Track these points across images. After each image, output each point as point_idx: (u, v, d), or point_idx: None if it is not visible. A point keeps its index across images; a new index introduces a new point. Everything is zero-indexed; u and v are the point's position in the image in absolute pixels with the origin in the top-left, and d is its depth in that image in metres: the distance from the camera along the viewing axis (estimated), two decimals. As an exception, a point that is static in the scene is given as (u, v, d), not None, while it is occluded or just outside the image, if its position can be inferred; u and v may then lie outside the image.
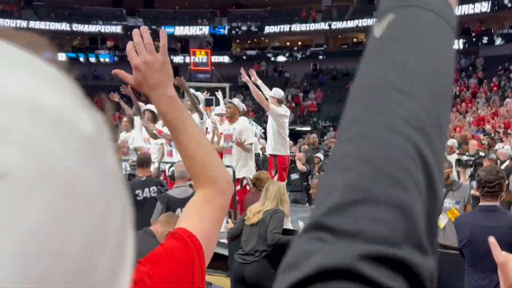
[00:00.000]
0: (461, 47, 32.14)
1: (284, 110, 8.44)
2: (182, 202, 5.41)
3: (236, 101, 8.76)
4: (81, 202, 0.34)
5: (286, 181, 8.57)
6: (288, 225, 6.25)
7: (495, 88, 28.19)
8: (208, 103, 11.41)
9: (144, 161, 6.99)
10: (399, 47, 0.54)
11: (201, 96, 9.09)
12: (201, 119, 8.26)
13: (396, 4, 0.56)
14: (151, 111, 9.61)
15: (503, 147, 10.06)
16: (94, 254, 0.35)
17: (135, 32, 1.34)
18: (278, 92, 8.50)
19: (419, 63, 0.52)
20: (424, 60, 0.53)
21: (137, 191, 6.60)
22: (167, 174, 9.14)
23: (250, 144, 8.15)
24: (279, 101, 8.36)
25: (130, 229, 0.40)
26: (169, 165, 8.71)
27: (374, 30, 0.56)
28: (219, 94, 11.21)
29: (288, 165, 9.07)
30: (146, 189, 6.65)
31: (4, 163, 0.31)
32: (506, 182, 4.63)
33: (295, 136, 21.18)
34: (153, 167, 8.36)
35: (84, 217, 0.34)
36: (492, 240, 1.59)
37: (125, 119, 10.10)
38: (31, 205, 0.31)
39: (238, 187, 8.01)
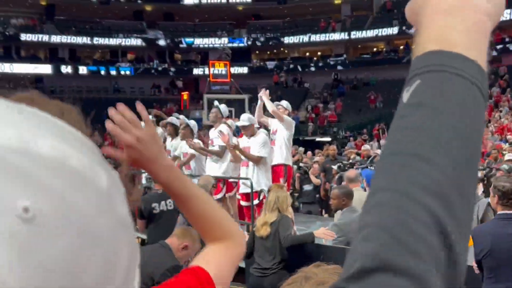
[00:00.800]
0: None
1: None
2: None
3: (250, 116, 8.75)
4: (94, 242, 0.42)
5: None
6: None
7: (518, 96, 27.81)
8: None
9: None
10: (424, 113, 0.54)
11: (225, 108, 9.08)
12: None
13: (425, 70, 0.55)
14: (172, 124, 9.62)
15: None
16: (104, 283, 0.43)
17: (112, 112, 1.30)
18: (288, 104, 9.09)
19: (443, 129, 0.53)
20: (449, 126, 0.53)
21: (153, 205, 6.60)
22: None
23: (260, 157, 8.10)
24: (288, 114, 8.96)
25: (136, 265, 0.49)
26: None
27: (402, 95, 0.56)
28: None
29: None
30: (163, 202, 6.64)
31: (33, 209, 0.39)
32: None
33: (314, 146, 21.09)
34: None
35: (96, 254, 0.42)
36: None
37: (169, 126, 9.88)
38: (53, 244, 0.39)
39: (256, 201, 8.01)
